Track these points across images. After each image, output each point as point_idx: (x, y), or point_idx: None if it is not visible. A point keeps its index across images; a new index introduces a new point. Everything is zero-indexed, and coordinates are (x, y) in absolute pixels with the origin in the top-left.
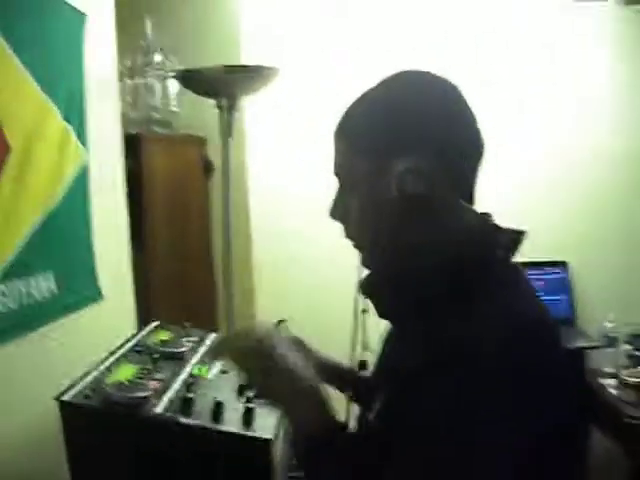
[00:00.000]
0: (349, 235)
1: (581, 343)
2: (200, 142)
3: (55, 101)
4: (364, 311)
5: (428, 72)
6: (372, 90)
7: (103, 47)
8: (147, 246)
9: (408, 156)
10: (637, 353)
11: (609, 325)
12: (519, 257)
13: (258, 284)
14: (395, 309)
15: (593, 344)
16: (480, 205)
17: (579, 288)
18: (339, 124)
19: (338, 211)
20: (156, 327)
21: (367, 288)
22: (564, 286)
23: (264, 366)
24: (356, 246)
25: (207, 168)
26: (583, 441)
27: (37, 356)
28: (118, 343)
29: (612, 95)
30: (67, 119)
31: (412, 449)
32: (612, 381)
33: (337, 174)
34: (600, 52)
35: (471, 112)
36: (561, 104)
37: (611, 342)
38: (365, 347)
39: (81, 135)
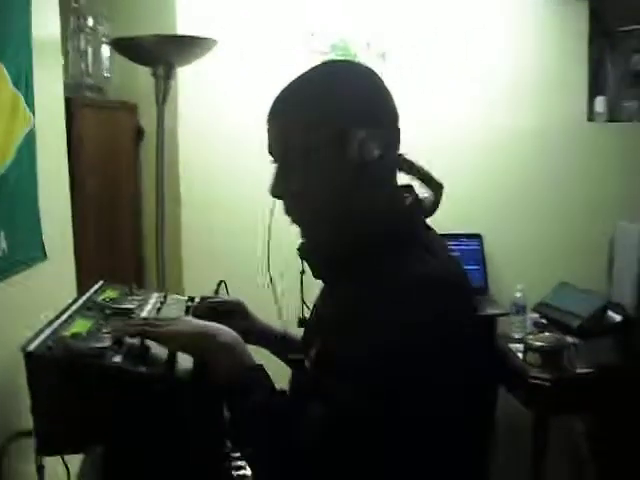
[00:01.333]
0: (289, 211)
1: (492, 311)
2: (131, 108)
3: (6, 67)
4: (302, 272)
5: (348, 60)
6: (299, 77)
7: (47, 11)
8: (77, 209)
9: (363, 126)
10: (543, 320)
11: (518, 294)
12: (438, 229)
13: (186, 250)
14: (327, 272)
15: (503, 312)
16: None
17: (491, 259)
18: (272, 107)
19: (278, 188)
20: (102, 286)
21: (304, 253)
22: (478, 257)
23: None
24: (295, 221)
25: (138, 135)
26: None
27: None
28: (63, 302)
29: (531, 74)
30: (16, 85)
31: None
32: (520, 346)
33: (273, 152)
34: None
35: (388, 92)
36: (479, 81)
37: (520, 310)
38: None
39: (29, 100)
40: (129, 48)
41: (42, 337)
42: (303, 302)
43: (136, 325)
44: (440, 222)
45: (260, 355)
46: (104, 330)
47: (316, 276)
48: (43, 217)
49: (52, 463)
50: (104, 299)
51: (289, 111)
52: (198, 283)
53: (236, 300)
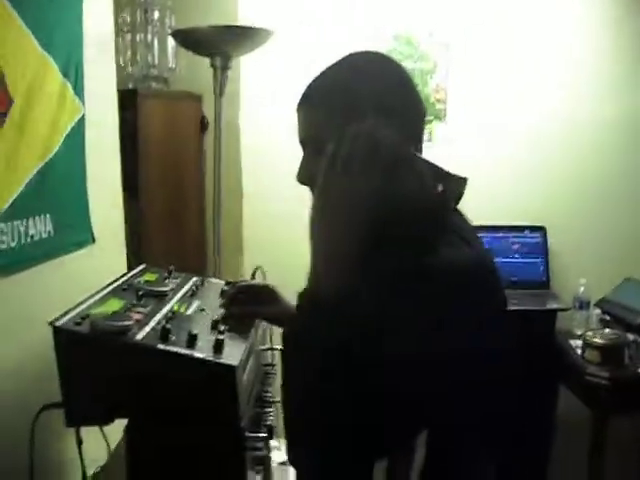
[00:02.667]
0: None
1: (553, 305)
2: (196, 99)
3: (54, 58)
4: None
5: (377, 52)
6: (333, 66)
7: (100, 3)
8: (142, 196)
9: (367, 118)
10: (605, 317)
11: (581, 289)
12: (498, 220)
13: (247, 238)
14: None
15: (565, 307)
16: (459, 170)
17: (555, 253)
18: (305, 95)
19: (305, 175)
20: (143, 269)
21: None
22: (541, 250)
23: None
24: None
25: (202, 125)
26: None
27: (35, 291)
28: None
29: (595, 62)
30: (65, 75)
31: None
32: (580, 342)
33: (303, 141)
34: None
35: (414, 83)
36: (545, 71)
37: (582, 305)
38: None
39: (78, 90)
40: (188, 39)
41: (73, 313)
42: None
43: None
44: (503, 214)
45: None
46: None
47: None
48: (94, 203)
49: (92, 436)
50: (141, 282)
51: (312, 100)
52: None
53: (267, 285)
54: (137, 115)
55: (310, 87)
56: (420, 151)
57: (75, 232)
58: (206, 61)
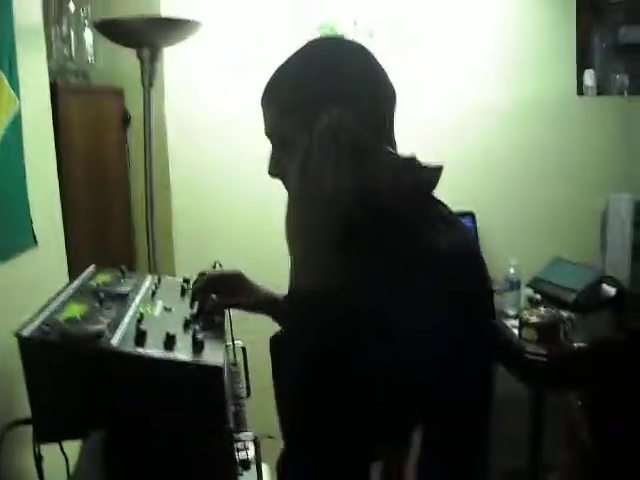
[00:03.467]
0: (288, 189)
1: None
2: (117, 93)
3: None
4: None
5: (340, 37)
6: (291, 58)
7: None
8: (66, 196)
9: (334, 108)
10: (537, 296)
11: (512, 270)
12: None
13: (177, 230)
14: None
15: (497, 288)
16: None
17: (484, 237)
18: (267, 89)
19: (276, 169)
20: (94, 271)
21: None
22: (472, 235)
23: None
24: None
25: (125, 120)
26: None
27: None
28: (55, 287)
29: (519, 47)
30: None
31: None
32: (515, 322)
33: (269, 135)
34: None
35: (381, 68)
36: (466, 59)
37: (513, 286)
38: None
39: (13, 81)
40: (113, 30)
41: (37, 322)
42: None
43: None
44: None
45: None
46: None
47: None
48: (32, 204)
49: (51, 453)
50: (97, 284)
51: (272, 93)
52: (189, 268)
53: (234, 271)
54: (57, 110)
55: (270, 80)
56: (391, 137)
57: (16, 235)
58: (127, 53)
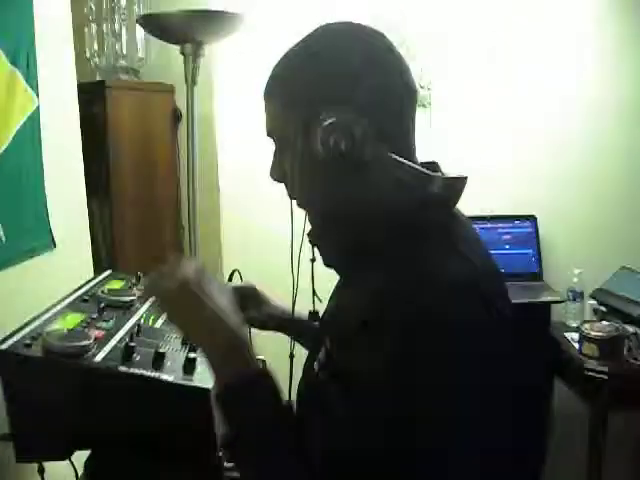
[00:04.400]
0: (290, 194)
1: (547, 297)
2: (168, 90)
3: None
4: (312, 260)
5: (352, 22)
6: (295, 47)
7: None
8: (112, 194)
9: (333, 111)
10: (601, 308)
11: (575, 280)
12: (485, 211)
13: (225, 234)
14: (335, 259)
15: (559, 299)
16: (449, 159)
17: (546, 243)
18: (267, 84)
19: (277, 171)
20: (108, 276)
21: (313, 238)
22: (532, 241)
23: (185, 306)
24: (298, 204)
25: (175, 117)
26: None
27: None
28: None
29: (595, 47)
30: (14, 62)
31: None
32: (576, 335)
33: (270, 134)
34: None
35: (400, 60)
36: (533, 56)
37: (576, 297)
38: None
39: (30, 80)
40: (156, 25)
41: (23, 333)
42: (314, 293)
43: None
44: (491, 203)
45: None
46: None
47: (326, 264)
48: (54, 205)
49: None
50: (104, 291)
51: (272, 89)
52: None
53: (249, 286)
54: (106, 108)
55: (273, 69)
56: (407, 141)
57: (32, 237)
58: (176, 49)
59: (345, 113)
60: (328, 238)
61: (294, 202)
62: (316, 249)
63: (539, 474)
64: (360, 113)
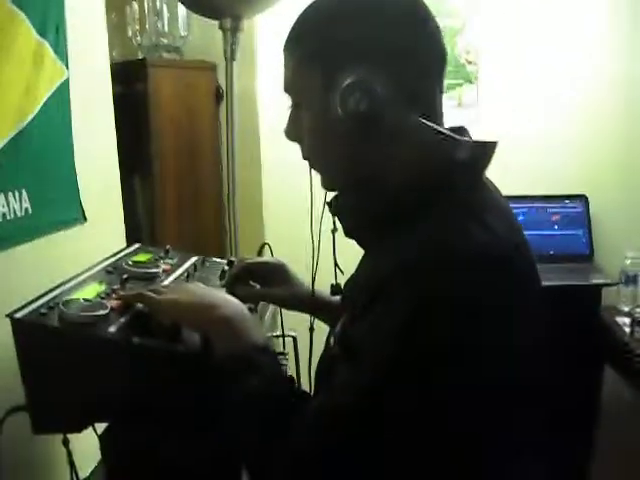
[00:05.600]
0: (305, 156)
1: (598, 280)
2: (210, 68)
3: (27, 14)
4: (334, 231)
5: None
6: (319, 0)
7: None
8: (154, 173)
9: (355, 70)
10: None
11: (628, 262)
12: (536, 189)
13: (266, 208)
14: (356, 228)
15: (611, 281)
16: (495, 138)
17: (598, 223)
18: (288, 36)
19: (292, 130)
20: (137, 249)
21: (334, 208)
22: (582, 221)
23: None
24: (312, 167)
25: (217, 95)
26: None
27: (6, 276)
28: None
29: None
30: (42, 34)
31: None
32: (628, 320)
33: (287, 91)
34: None
35: (431, 20)
36: (584, 31)
37: (629, 280)
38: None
39: (60, 51)
40: (194, 1)
41: (41, 302)
42: (336, 265)
43: (136, 292)
44: (541, 182)
45: None
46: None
47: (346, 234)
48: (85, 179)
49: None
50: (129, 262)
51: (295, 39)
52: (279, 246)
53: (276, 262)
54: (147, 87)
55: (295, 22)
56: (435, 106)
57: (61, 209)
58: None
59: (368, 72)
60: (348, 206)
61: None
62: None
63: (588, 464)
64: (384, 73)
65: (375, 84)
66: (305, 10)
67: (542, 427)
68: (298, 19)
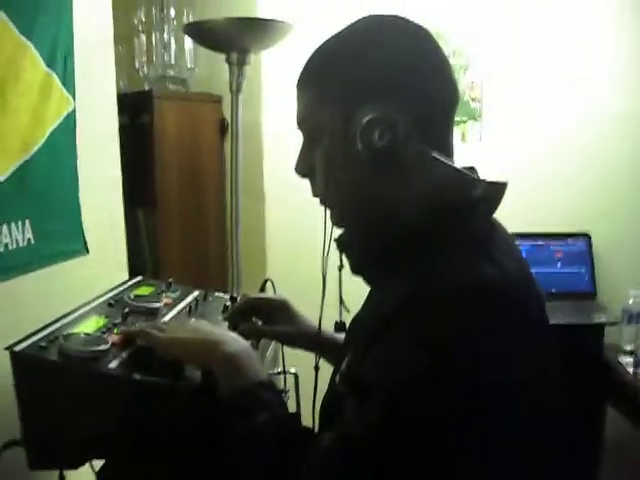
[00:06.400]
0: (315, 192)
1: (601, 319)
2: (215, 101)
3: (35, 45)
4: (340, 267)
5: (397, 16)
6: (336, 36)
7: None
8: (159, 205)
9: (374, 105)
10: None
11: (631, 301)
12: (538, 227)
13: (271, 249)
14: (364, 265)
15: (613, 320)
16: (498, 174)
17: (601, 261)
18: (302, 72)
19: (303, 166)
20: (139, 282)
21: (341, 244)
22: (585, 259)
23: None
24: (323, 203)
25: (222, 128)
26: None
27: (6, 307)
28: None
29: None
30: (50, 64)
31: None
32: (631, 359)
33: (300, 126)
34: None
35: (442, 58)
36: (587, 69)
37: (632, 318)
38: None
39: (67, 82)
40: (201, 33)
41: (41, 335)
42: (341, 302)
43: (138, 328)
44: (544, 220)
45: None
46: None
47: (353, 271)
48: (89, 211)
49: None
50: (130, 296)
51: (310, 75)
52: (282, 282)
53: (279, 299)
54: (152, 118)
55: (310, 58)
56: (446, 143)
57: (63, 240)
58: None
59: (387, 109)
60: (357, 243)
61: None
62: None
63: None
64: (403, 109)
65: (393, 121)
66: (319, 48)
67: (547, 460)
68: (312, 56)
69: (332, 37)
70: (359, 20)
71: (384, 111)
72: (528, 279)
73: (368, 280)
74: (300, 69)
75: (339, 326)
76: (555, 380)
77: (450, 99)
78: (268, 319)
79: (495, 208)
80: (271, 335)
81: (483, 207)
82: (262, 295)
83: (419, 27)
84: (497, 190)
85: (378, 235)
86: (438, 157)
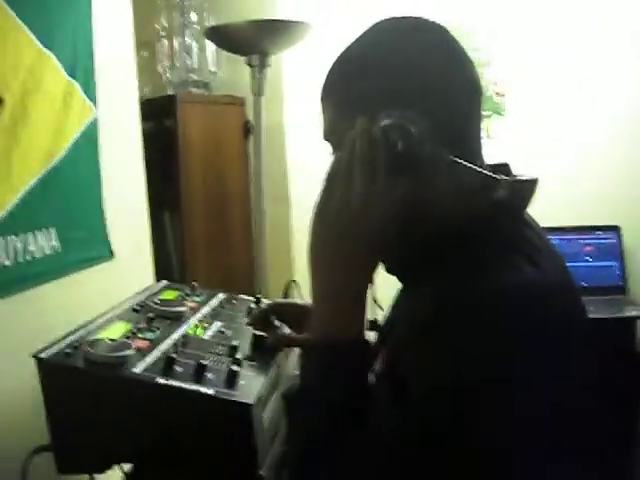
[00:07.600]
0: None
1: (631, 312)
2: (239, 103)
3: (57, 55)
4: None
5: (414, 17)
6: (355, 44)
7: (116, 5)
8: (183, 208)
9: (392, 111)
10: None
11: None
12: (567, 221)
13: (297, 247)
14: (397, 266)
15: None
16: (521, 169)
17: (631, 255)
18: (323, 86)
19: None
20: (164, 287)
21: None
22: (615, 252)
23: None
24: None
25: (246, 130)
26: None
27: (38, 313)
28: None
29: None
30: (72, 74)
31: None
32: None
33: (328, 140)
34: None
35: (464, 57)
36: (613, 62)
37: None
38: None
39: (89, 91)
40: (222, 37)
41: (67, 341)
42: (374, 301)
43: None
44: (574, 213)
45: None
46: None
47: (387, 270)
48: (114, 216)
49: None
50: (155, 301)
51: (329, 87)
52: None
53: (304, 303)
54: (177, 122)
55: (329, 70)
56: (472, 143)
57: (89, 247)
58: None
59: (405, 115)
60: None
61: None
62: None
63: None
64: (423, 114)
65: (408, 125)
66: (338, 58)
67: (585, 457)
68: (332, 68)
69: (350, 45)
70: (375, 25)
71: (401, 117)
72: (565, 274)
73: (402, 280)
74: (322, 80)
75: (372, 324)
76: (595, 375)
77: (474, 98)
78: (293, 324)
79: (525, 206)
80: (297, 343)
81: (510, 206)
82: (287, 300)
83: (439, 28)
84: (526, 187)
85: (407, 238)
86: (457, 160)
